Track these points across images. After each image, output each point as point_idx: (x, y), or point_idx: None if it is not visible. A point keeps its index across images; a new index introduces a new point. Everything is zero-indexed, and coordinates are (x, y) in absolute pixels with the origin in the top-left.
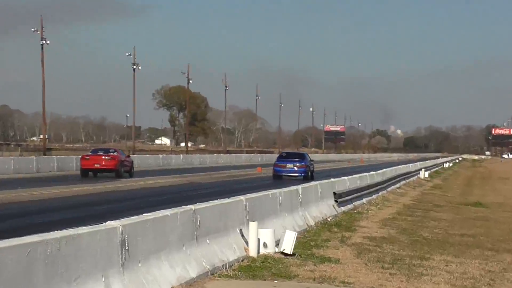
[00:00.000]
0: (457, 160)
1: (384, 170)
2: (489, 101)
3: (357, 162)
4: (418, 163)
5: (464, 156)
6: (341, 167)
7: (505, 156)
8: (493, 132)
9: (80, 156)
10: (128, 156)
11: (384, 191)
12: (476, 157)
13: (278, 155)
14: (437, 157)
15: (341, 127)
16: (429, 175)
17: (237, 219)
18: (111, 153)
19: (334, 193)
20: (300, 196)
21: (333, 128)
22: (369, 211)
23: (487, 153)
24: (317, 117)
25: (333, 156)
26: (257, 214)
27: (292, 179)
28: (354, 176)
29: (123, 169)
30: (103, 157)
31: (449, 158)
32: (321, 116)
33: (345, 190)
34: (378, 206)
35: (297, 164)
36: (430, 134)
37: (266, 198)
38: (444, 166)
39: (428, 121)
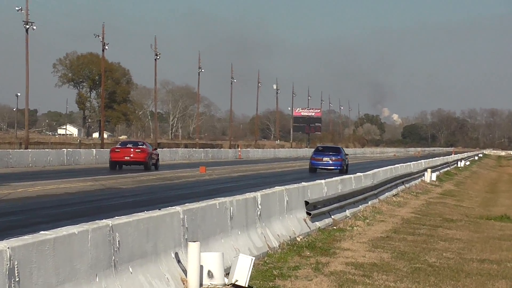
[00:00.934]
0: (476, 157)
1: (376, 170)
2: None
3: None
4: (422, 161)
5: (487, 151)
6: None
7: None
8: None
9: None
10: (155, 149)
11: (375, 200)
12: (503, 153)
13: (229, 149)
14: (449, 153)
15: (316, 111)
16: (438, 177)
17: (171, 239)
18: (140, 146)
19: (306, 203)
20: (259, 206)
21: (305, 113)
22: (355, 228)
23: None
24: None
25: (304, 151)
26: (199, 232)
27: (329, 172)
28: (333, 179)
29: (151, 162)
30: (132, 149)
31: (465, 155)
32: (289, 96)
33: (322, 198)
34: (367, 220)
35: (333, 157)
36: (440, 121)
37: (212, 209)
38: (459, 166)
39: (436, 103)
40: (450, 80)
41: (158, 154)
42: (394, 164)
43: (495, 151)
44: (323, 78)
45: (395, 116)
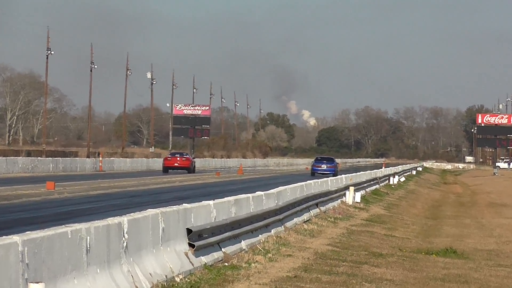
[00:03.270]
0: (414, 172)
1: (281, 188)
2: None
3: (232, 172)
4: (343, 176)
5: (428, 163)
6: (201, 181)
7: (500, 164)
8: (478, 121)
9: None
10: (194, 158)
11: (281, 227)
12: (448, 165)
13: (87, 159)
14: (379, 166)
15: (204, 108)
16: (363, 198)
17: (5, 279)
18: (185, 156)
19: (189, 231)
20: (126, 236)
21: (189, 111)
22: (252, 265)
23: (469, 158)
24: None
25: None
26: (44, 270)
27: (325, 175)
28: (226, 199)
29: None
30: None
31: (399, 168)
32: (168, 89)
33: (209, 225)
34: (269, 254)
35: (328, 165)
36: (367, 123)
37: (62, 239)
38: (391, 182)
39: (362, 99)
40: (379, 70)
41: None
42: (306, 180)
43: (438, 164)
44: (214, 64)
45: (306, 114)
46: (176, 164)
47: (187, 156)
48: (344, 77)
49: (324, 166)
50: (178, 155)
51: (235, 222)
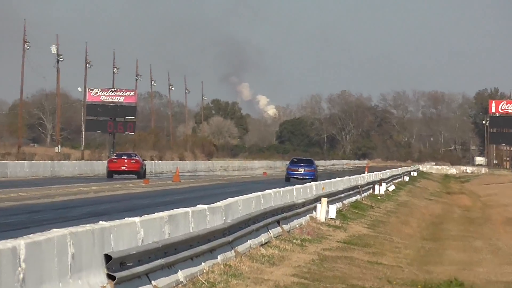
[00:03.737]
0: (407, 177)
1: (231, 200)
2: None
3: (166, 179)
4: (313, 184)
5: (424, 166)
6: (124, 191)
7: None
8: (492, 109)
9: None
10: (144, 160)
11: (230, 252)
12: (452, 169)
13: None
14: (360, 170)
15: (128, 94)
16: (340, 212)
17: None
18: (134, 157)
19: (108, 258)
20: (22, 264)
21: (107, 98)
22: None
23: (479, 159)
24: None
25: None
26: None
27: (302, 181)
28: (157, 215)
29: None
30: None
31: (387, 173)
32: (80, 67)
33: (135, 250)
34: None
35: (307, 168)
36: (344, 113)
37: None
38: (377, 192)
39: (337, 82)
40: (360, 44)
41: (145, 165)
42: (264, 189)
43: (439, 167)
44: (140, 37)
45: (263, 100)
46: (123, 168)
47: (136, 158)
48: (313, 53)
49: (301, 170)
50: (126, 157)
51: (170, 245)
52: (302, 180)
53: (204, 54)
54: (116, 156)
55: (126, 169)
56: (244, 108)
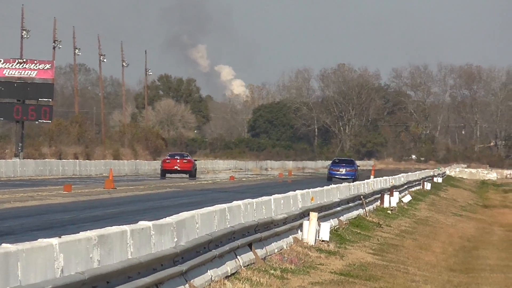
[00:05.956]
0: (428, 184)
1: (185, 216)
2: None
3: (95, 185)
4: (297, 193)
5: (453, 169)
6: (37, 202)
7: None
8: None
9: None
10: (195, 160)
11: (183, 286)
12: (491, 173)
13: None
14: (363, 174)
15: (43, 66)
16: (335, 232)
17: None
18: (186, 157)
19: None
20: None
21: (13, 72)
22: None
23: None
24: None
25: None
26: None
27: (344, 180)
28: (82, 236)
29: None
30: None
31: (401, 177)
32: None
33: (51, 283)
34: None
35: (348, 168)
36: (340, 94)
37: None
38: (386, 204)
39: (331, 53)
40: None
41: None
42: (232, 200)
43: (473, 170)
44: None
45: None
46: (176, 167)
47: (189, 158)
48: (299, 13)
49: (342, 170)
50: (178, 157)
51: (100, 277)
52: (344, 180)
53: (146, 12)
54: (169, 156)
55: (179, 169)
56: (203, 86)
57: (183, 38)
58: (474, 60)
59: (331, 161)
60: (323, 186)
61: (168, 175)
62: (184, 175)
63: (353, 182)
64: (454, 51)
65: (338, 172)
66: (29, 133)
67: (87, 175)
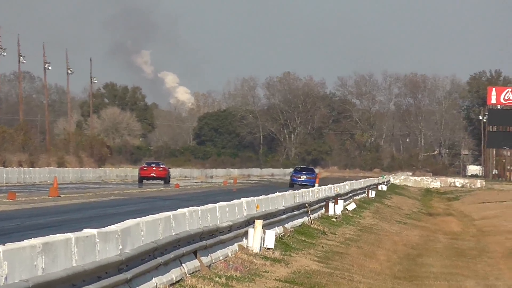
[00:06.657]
0: (371, 193)
1: (130, 224)
2: None
3: (40, 193)
4: (243, 201)
5: (397, 177)
6: None
7: None
8: (491, 100)
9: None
10: (169, 168)
11: None
12: (435, 181)
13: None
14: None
15: None
16: (280, 239)
17: None
18: (161, 165)
19: None
20: None
21: None
22: None
23: (473, 168)
24: None
25: None
26: None
27: (305, 186)
28: (26, 243)
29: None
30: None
31: (346, 185)
32: None
33: None
34: None
35: (308, 176)
36: (286, 103)
37: None
38: (331, 212)
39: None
40: (309, 9)
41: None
42: (177, 208)
43: (417, 178)
44: None
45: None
46: (152, 174)
47: (164, 166)
48: (245, 22)
49: (303, 177)
50: (154, 165)
51: (45, 285)
52: (304, 186)
53: (91, 20)
54: (146, 164)
55: (155, 176)
56: (148, 93)
57: (128, 44)
58: (419, 69)
59: (292, 169)
60: (267, 194)
61: (145, 181)
62: (160, 182)
63: (312, 187)
64: (399, 60)
65: (300, 179)
66: None
67: (32, 182)
